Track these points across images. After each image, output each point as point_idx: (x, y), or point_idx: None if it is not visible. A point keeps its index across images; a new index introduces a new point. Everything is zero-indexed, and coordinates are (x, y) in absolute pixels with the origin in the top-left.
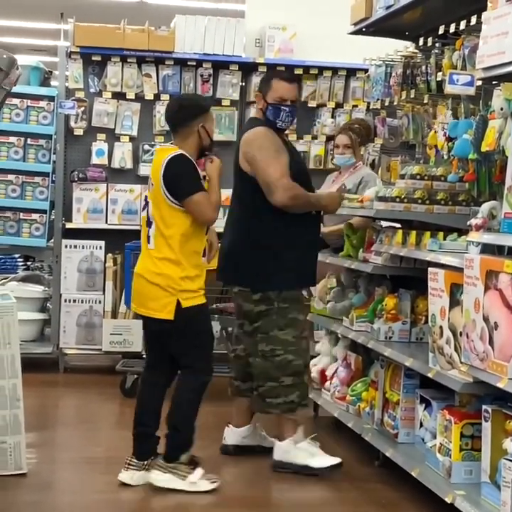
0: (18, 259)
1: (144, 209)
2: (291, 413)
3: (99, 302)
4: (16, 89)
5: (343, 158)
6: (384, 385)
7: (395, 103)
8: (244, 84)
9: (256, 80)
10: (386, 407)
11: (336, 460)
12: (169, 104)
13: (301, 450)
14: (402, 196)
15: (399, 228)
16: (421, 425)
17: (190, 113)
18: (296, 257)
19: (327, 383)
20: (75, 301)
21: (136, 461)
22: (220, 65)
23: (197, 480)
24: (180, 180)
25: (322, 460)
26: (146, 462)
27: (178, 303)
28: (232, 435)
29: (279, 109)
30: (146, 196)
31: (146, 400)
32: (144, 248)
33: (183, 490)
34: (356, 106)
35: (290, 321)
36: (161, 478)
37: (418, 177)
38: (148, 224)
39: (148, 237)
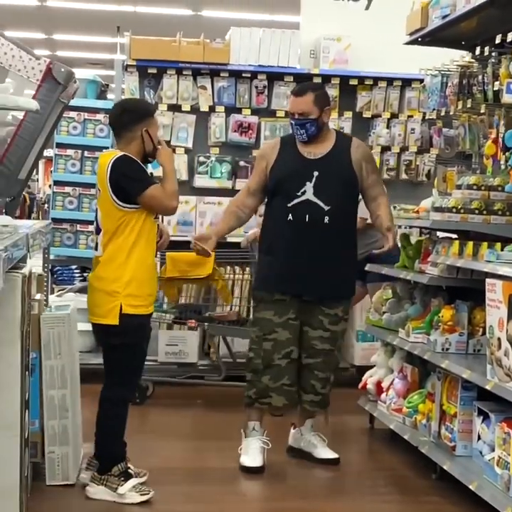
0: (75, 271)
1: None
2: (248, 407)
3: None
4: (73, 102)
5: None
6: (441, 397)
7: (451, 113)
8: None
9: None
10: (443, 419)
11: (256, 463)
12: (113, 107)
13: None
14: (459, 207)
15: (455, 239)
16: (479, 438)
17: (134, 117)
18: (268, 261)
19: (383, 395)
20: None
21: (96, 474)
22: (274, 77)
23: (125, 492)
24: (128, 179)
25: (246, 459)
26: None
27: (121, 308)
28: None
29: (291, 124)
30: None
31: None
32: (96, 255)
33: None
34: (411, 116)
35: (256, 320)
36: (94, 490)
37: (475, 187)
38: (97, 231)
39: (97, 244)
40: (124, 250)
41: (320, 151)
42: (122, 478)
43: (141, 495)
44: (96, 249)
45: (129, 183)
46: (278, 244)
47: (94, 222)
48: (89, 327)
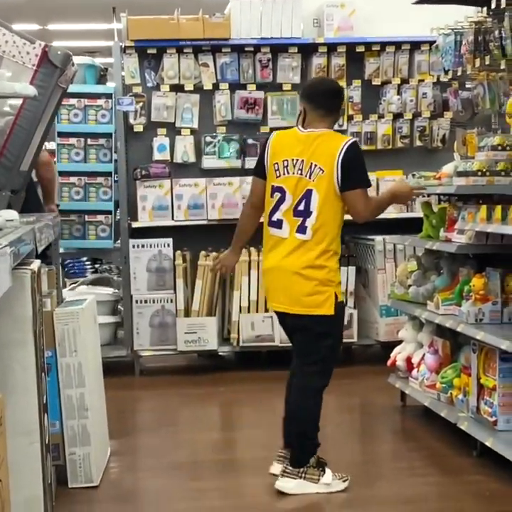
0: (86, 263)
1: (273, 195)
2: None
3: (171, 301)
4: (72, 88)
5: None
6: (477, 371)
7: (468, 72)
8: (304, 66)
9: (317, 61)
10: (481, 393)
11: None
12: (327, 85)
13: None
14: (484, 169)
15: (482, 203)
16: None
17: (341, 100)
18: None
19: (414, 371)
20: (146, 301)
21: (291, 468)
22: (278, 49)
23: (331, 481)
24: (356, 169)
25: None
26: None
27: (336, 297)
28: None
29: None
30: (275, 186)
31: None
32: (290, 240)
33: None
34: (422, 80)
35: None
36: (291, 485)
37: (499, 148)
38: (308, 214)
39: (305, 228)
40: (335, 240)
41: None
42: (321, 468)
43: (343, 481)
44: (304, 232)
45: (354, 172)
46: None
47: (300, 204)
48: (103, 320)
